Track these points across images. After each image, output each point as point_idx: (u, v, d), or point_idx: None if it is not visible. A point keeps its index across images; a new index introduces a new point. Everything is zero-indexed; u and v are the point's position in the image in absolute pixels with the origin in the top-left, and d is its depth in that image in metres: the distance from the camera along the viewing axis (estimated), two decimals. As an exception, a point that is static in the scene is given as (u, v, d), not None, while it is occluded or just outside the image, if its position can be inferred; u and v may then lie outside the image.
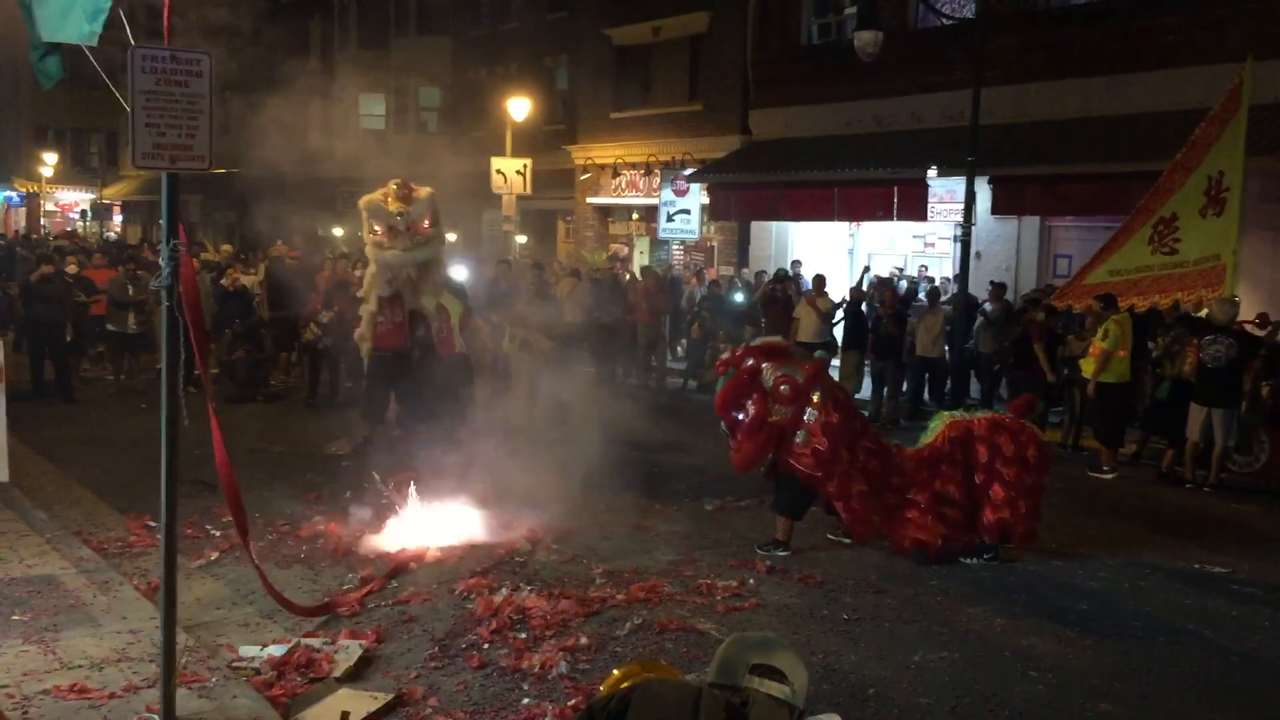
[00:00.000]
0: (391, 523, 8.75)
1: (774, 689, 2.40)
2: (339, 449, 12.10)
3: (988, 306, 15.79)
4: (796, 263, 21.40)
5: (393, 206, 11.59)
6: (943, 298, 17.38)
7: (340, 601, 7.26)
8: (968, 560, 8.78)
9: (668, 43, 26.05)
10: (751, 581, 8.10)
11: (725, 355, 9.16)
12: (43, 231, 42.39)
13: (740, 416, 8.67)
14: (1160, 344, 12.82)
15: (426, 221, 11.69)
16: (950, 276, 19.11)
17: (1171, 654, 7.01)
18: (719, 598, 7.70)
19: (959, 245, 16.17)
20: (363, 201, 11.85)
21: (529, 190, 25.41)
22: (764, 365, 8.66)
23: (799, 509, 8.95)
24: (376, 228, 11.66)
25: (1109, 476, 12.31)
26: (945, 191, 18.76)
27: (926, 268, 21.06)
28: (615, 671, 3.03)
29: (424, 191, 11.78)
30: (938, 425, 9.00)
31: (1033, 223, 18.88)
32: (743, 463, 8.82)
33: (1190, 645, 7.18)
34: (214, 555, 8.21)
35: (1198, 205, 12.79)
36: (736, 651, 2.51)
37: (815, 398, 8.64)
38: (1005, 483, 8.62)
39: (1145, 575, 8.66)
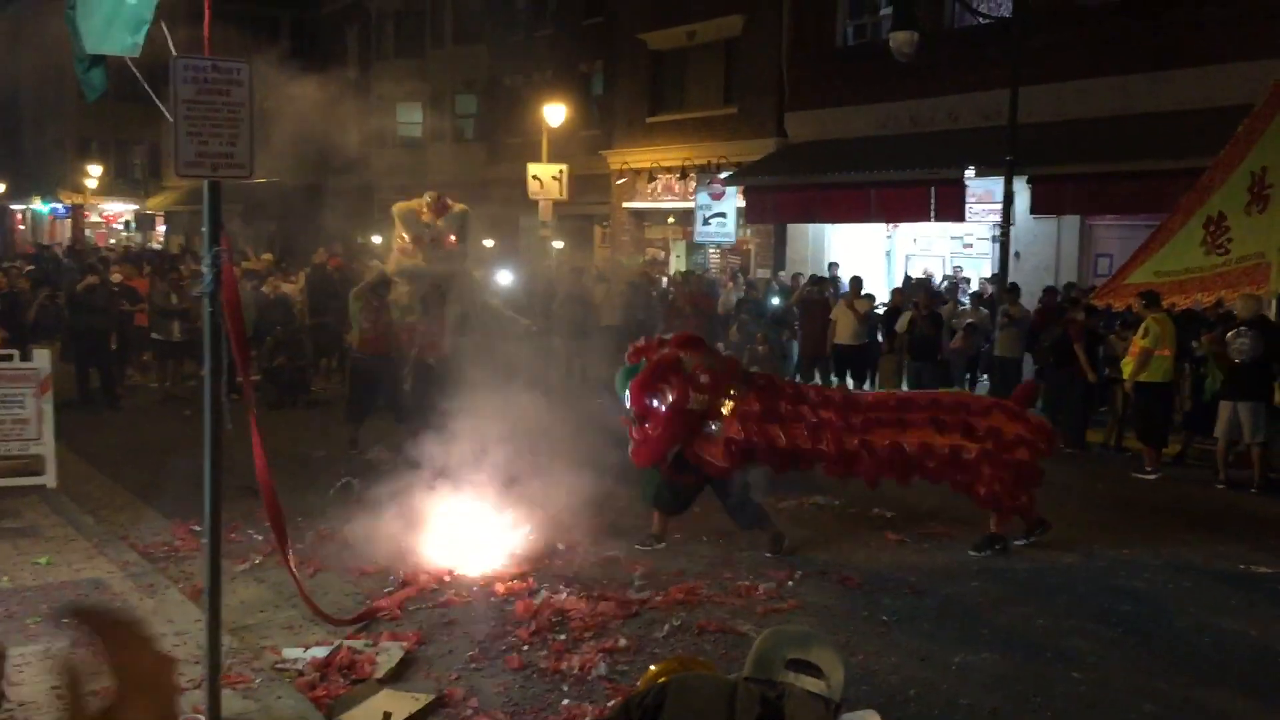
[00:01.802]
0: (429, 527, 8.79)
1: (810, 684, 2.40)
2: (380, 454, 12.20)
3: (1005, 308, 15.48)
4: (834, 265, 21.33)
5: (425, 217, 11.73)
6: (984, 297, 17.29)
7: (375, 609, 7.28)
8: (975, 553, 8.86)
9: (702, 46, 26.06)
10: (790, 583, 8.09)
11: (637, 345, 8.85)
12: (86, 242, 43.01)
13: (656, 404, 8.40)
14: (1204, 344, 12.67)
15: (453, 237, 11.81)
16: (988, 277, 19.01)
17: (1217, 655, 6.93)
18: (758, 599, 7.70)
19: (997, 246, 16.03)
20: (397, 208, 12.00)
21: (565, 195, 25.51)
22: (682, 354, 8.50)
23: (677, 506, 8.96)
24: (405, 235, 11.82)
25: (1152, 477, 12.19)
26: (983, 191, 18.62)
27: (928, 274, 20.90)
28: (653, 668, 3.05)
29: (459, 208, 11.87)
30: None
31: (1073, 222, 18.71)
32: (650, 455, 8.55)
33: (1236, 646, 7.10)
34: (257, 559, 8.29)
35: (1242, 203, 12.63)
36: (773, 646, 2.51)
37: (732, 390, 8.55)
38: (998, 461, 8.60)
39: (1189, 576, 8.57)
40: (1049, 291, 16.23)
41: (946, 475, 8.78)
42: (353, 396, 13.11)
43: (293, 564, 6.46)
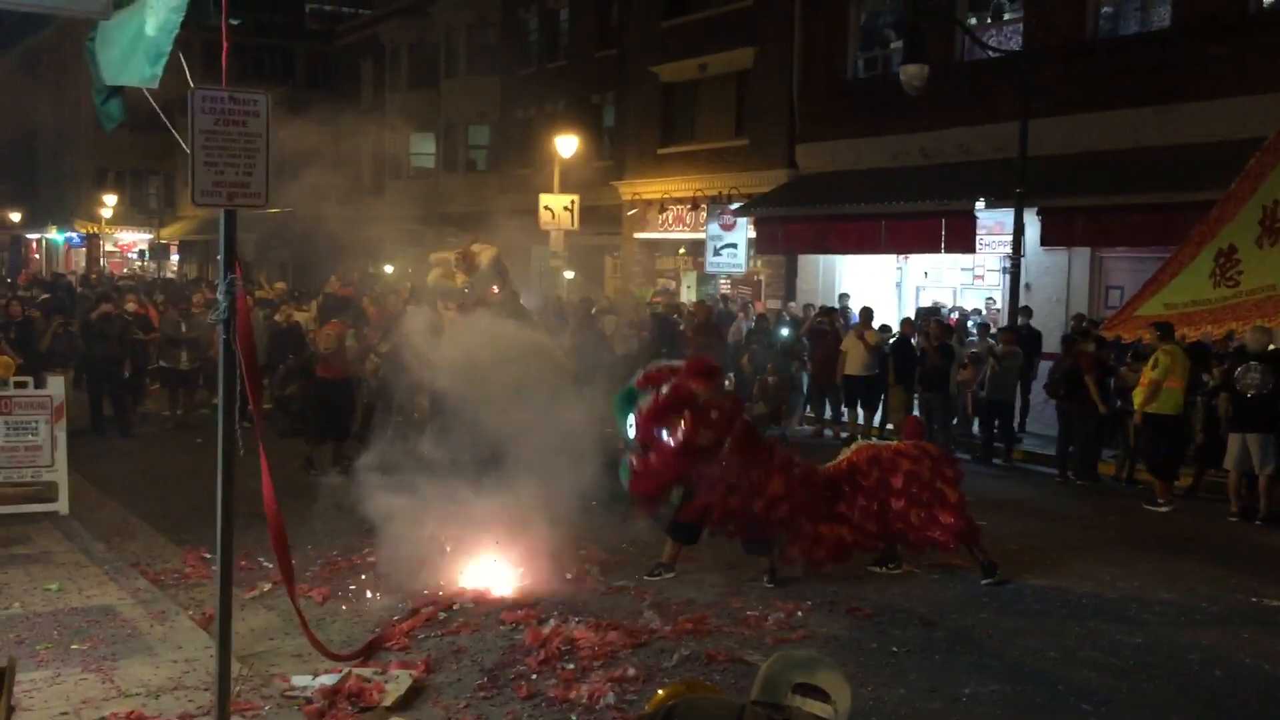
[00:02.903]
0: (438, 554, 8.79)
1: (817, 708, 2.42)
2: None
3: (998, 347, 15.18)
4: (844, 295, 21.36)
5: (460, 281, 11.70)
6: (991, 330, 17.26)
7: (378, 641, 7.23)
8: (986, 581, 8.90)
9: (714, 79, 26.24)
10: (800, 613, 8.07)
11: (648, 372, 8.61)
12: (102, 270, 43.34)
13: (665, 436, 8.21)
14: (1216, 376, 12.65)
15: (495, 287, 11.80)
16: (999, 306, 19.00)
17: (1229, 688, 6.89)
18: (767, 629, 7.69)
19: (1008, 277, 15.98)
20: (431, 281, 11.96)
21: (576, 226, 25.63)
22: (696, 386, 8.35)
23: (693, 536, 8.88)
24: (450, 305, 11.81)
25: (1164, 510, 12.12)
26: (994, 223, 18.67)
27: (937, 305, 20.86)
28: (660, 691, 3.07)
29: (487, 256, 11.78)
30: (847, 452, 9.23)
31: (1083, 254, 18.71)
32: (652, 487, 8.36)
33: (1248, 679, 7.06)
34: (267, 586, 8.30)
35: (1254, 235, 12.62)
36: (779, 670, 2.52)
37: (737, 425, 8.50)
38: (921, 504, 8.71)
39: (1201, 608, 8.53)
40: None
41: (892, 537, 8.91)
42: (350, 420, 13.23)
43: (298, 597, 6.44)
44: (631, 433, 8.33)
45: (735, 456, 8.38)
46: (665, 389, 8.31)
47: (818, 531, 8.60)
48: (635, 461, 8.32)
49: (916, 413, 15.98)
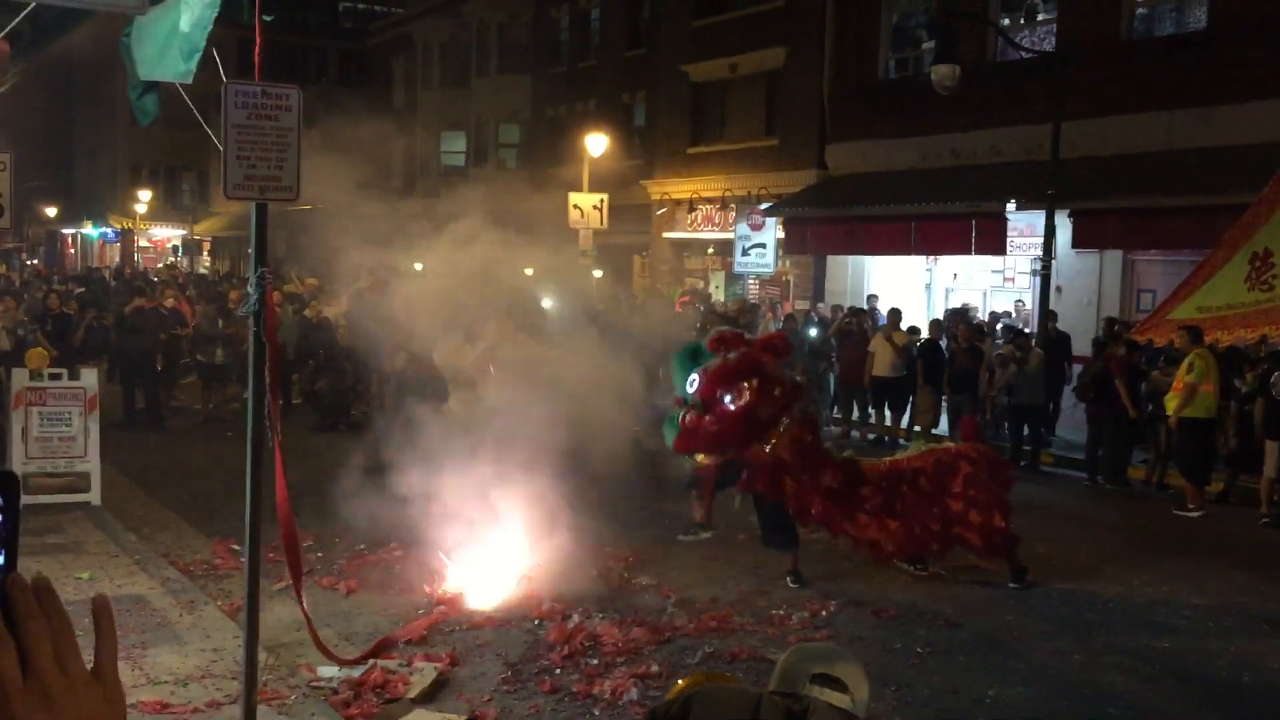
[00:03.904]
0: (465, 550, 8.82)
1: (835, 698, 2.42)
2: None
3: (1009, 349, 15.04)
4: (873, 297, 21.28)
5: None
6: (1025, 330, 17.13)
7: (389, 641, 7.19)
8: (1014, 585, 8.86)
9: (744, 78, 26.21)
10: (824, 614, 8.07)
11: (723, 333, 8.50)
12: (136, 266, 43.78)
13: (726, 400, 8.06)
14: (1251, 380, 12.53)
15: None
16: (1030, 309, 18.88)
17: (1258, 695, 6.83)
18: (791, 628, 7.68)
19: (1038, 279, 15.86)
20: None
21: (605, 225, 25.63)
22: (765, 359, 8.26)
23: (794, 536, 8.80)
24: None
25: (1195, 515, 12.01)
26: (1025, 225, 18.57)
27: (966, 306, 20.71)
28: (680, 682, 3.09)
29: None
30: (911, 450, 9.25)
31: (1115, 256, 18.57)
32: (697, 447, 8.26)
33: (1277, 686, 6.99)
34: (294, 578, 8.36)
35: (1289, 239, 12.52)
36: (798, 660, 2.53)
37: (795, 410, 8.44)
38: (980, 505, 8.68)
39: (1230, 614, 8.45)
40: None
41: (950, 539, 8.84)
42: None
43: (304, 594, 6.39)
44: (690, 389, 8.15)
45: (791, 439, 8.31)
46: (735, 354, 8.17)
47: (871, 525, 8.58)
48: (689, 418, 8.12)
49: (945, 415, 15.95)
